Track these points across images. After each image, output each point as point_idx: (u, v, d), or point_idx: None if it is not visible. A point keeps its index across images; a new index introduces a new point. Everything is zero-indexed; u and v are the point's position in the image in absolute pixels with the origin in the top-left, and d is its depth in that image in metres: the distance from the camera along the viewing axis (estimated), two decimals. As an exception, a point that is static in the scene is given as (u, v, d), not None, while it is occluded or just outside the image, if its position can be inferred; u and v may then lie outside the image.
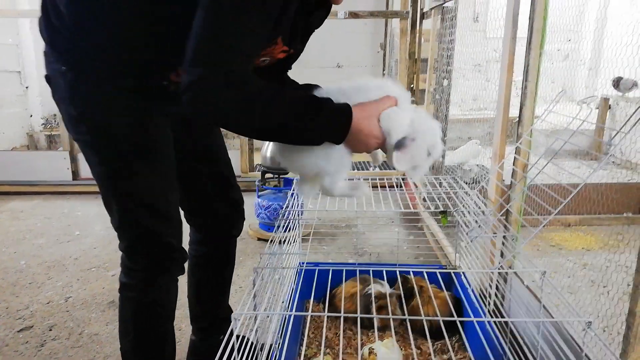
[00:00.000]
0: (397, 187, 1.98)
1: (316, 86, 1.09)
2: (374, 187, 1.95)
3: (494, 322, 1.38)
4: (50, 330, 1.82)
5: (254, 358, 1.00)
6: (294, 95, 0.96)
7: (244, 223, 1.50)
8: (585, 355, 0.85)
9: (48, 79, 1.05)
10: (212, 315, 1.52)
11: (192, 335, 1.55)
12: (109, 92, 1.02)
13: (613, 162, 4.10)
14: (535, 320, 0.92)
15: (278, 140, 1.00)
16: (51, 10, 1.00)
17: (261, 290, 1.13)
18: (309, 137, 0.93)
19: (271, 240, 1.48)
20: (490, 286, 1.59)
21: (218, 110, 0.86)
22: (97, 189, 1.12)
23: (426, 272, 1.75)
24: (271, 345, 1.17)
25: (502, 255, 1.52)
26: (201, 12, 0.82)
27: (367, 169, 3.83)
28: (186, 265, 1.33)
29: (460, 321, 1.67)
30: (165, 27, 0.95)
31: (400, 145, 0.96)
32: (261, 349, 1.06)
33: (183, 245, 1.24)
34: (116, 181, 1.09)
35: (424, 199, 2.89)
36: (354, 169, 3.84)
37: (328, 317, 1.82)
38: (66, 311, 1.96)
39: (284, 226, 1.68)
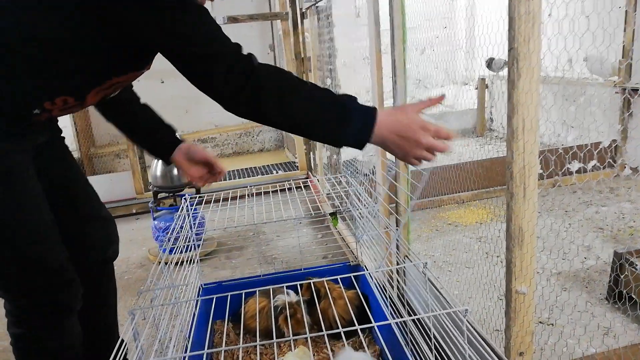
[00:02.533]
0: (302, 188, 1.96)
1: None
2: (281, 190, 1.92)
3: (392, 323, 1.41)
4: None
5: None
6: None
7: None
8: (467, 341, 0.88)
9: None
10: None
11: None
12: None
13: (496, 136, 4.44)
14: (420, 316, 0.93)
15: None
16: None
17: (145, 333, 1.04)
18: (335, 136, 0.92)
19: (155, 268, 1.38)
20: (391, 279, 1.63)
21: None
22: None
23: (330, 273, 1.75)
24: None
25: (397, 248, 1.56)
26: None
27: (271, 173, 3.79)
28: None
29: (367, 317, 1.70)
30: (51, 52, 0.93)
31: None
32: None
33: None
34: None
35: (327, 198, 2.92)
36: (257, 174, 3.78)
37: (237, 335, 1.76)
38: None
39: (176, 248, 1.58)
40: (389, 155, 1.75)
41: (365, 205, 1.64)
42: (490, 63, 4.09)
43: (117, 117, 1.24)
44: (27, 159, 1.05)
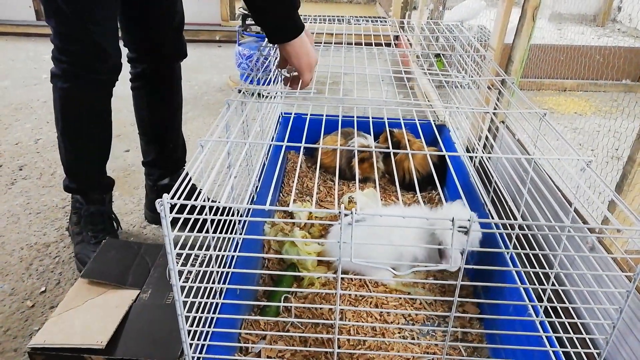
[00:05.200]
0: (391, 45, 1.81)
1: None
2: (366, 44, 1.78)
3: (485, 157, 1.34)
4: (21, 169, 1.75)
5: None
6: None
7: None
8: (577, 199, 0.80)
9: None
10: (161, 152, 1.47)
11: (146, 180, 1.52)
12: None
13: (619, 29, 3.87)
14: (528, 157, 0.86)
15: None
16: None
17: (235, 124, 1.03)
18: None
19: (245, 91, 1.34)
20: (480, 139, 1.53)
21: None
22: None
23: (412, 126, 1.66)
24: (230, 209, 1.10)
25: (497, 100, 1.43)
26: None
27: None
28: None
29: (442, 176, 1.65)
30: None
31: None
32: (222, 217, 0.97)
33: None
34: None
35: (417, 57, 2.72)
36: (341, 23, 3.56)
37: (308, 167, 1.78)
38: (36, 152, 1.87)
39: (262, 78, 1.53)
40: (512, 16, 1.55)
41: (475, 53, 1.49)
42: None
43: None
44: None
